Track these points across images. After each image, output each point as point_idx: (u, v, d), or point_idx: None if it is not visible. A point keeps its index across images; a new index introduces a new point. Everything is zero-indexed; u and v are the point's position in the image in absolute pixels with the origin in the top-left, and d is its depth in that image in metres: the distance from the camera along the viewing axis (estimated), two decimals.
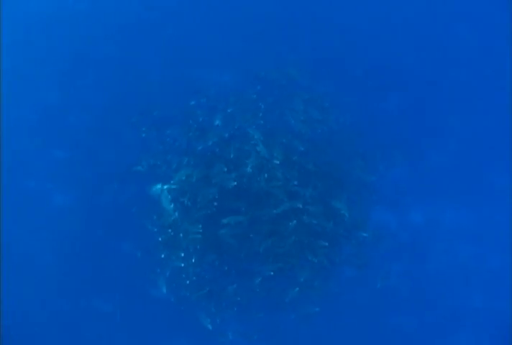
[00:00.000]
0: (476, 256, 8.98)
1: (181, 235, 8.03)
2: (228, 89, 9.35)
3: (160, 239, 8.24)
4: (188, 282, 8.21)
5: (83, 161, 9.48)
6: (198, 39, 10.12)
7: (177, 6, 10.37)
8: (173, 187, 8.27)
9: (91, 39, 10.25)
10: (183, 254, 8.01)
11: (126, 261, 8.88)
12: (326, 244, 8.00)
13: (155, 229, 8.41)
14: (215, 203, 8.03)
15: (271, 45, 9.88)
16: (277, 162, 7.98)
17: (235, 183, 7.94)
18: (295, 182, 7.99)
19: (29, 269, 8.99)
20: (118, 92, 9.81)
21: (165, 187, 8.30)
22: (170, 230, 8.19)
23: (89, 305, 8.87)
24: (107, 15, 10.38)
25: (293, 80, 9.28)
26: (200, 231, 7.88)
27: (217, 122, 8.63)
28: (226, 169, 8.08)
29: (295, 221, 7.91)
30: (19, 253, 9.06)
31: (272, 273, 8.02)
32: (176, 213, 8.08)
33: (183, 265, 8.03)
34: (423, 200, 9.22)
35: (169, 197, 8.18)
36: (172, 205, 8.13)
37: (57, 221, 9.17)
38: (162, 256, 8.22)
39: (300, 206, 7.86)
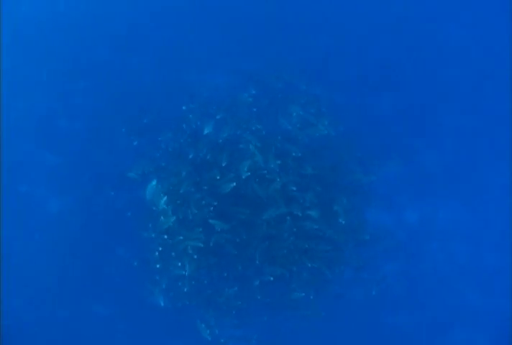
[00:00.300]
0: (472, 255, 9.07)
1: (179, 239, 7.91)
2: (221, 93, 9.19)
3: (160, 249, 8.10)
4: (185, 289, 8.12)
5: (77, 166, 9.33)
6: (192, 42, 9.93)
7: (169, 7, 10.12)
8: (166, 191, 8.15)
9: (83, 44, 10.03)
10: (180, 264, 7.92)
11: (123, 269, 8.81)
12: (329, 247, 7.97)
13: (152, 235, 8.28)
14: (211, 208, 7.92)
15: (266, 47, 9.72)
16: (273, 167, 7.88)
17: (234, 184, 7.83)
18: (294, 188, 7.92)
19: (25, 275, 8.91)
20: (111, 96, 9.63)
21: (160, 187, 8.18)
22: (166, 236, 8.06)
23: (87, 311, 8.84)
24: (98, 18, 10.14)
25: (289, 83, 9.14)
26: (201, 236, 7.77)
27: (210, 127, 8.43)
28: (218, 177, 7.96)
29: (289, 218, 7.82)
30: (14, 259, 8.97)
31: (271, 278, 7.99)
32: (170, 212, 7.93)
33: (184, 273, 7.92)
34: (419, 199, 9.25)
35: (165, 198, 8.04)
36: (169, 207, 8.00)
37: (51, 227, 9.07)
38: (158, 266, 8.11)
39: (299, 213, 7.79)
